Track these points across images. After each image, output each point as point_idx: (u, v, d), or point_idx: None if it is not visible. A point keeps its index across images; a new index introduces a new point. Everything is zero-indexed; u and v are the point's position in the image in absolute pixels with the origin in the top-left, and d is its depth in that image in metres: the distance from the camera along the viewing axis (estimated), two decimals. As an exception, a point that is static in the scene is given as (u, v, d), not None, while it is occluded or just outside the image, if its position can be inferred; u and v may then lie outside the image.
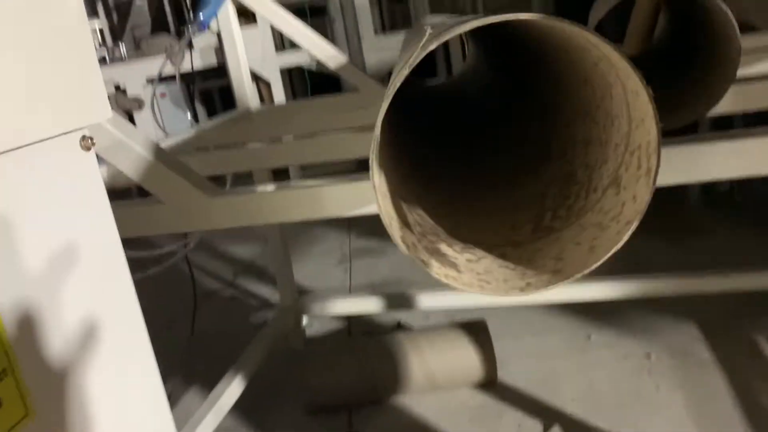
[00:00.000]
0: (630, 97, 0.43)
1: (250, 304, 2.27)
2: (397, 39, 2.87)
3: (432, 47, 0.41)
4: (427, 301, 1.69)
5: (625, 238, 0.43)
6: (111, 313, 0.54)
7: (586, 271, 0.43)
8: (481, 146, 0.75)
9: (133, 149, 0.81)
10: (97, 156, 0.55)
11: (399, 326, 1.83)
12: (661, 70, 0.96)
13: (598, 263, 0.43)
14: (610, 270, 1.63)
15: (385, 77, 2.60)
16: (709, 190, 2.34)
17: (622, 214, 0.45)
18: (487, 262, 0.49)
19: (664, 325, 1.65)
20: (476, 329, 1.49)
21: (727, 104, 1.00)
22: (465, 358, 1.45)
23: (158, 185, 0.84)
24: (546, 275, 0.45)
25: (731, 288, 1.52)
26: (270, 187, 0.90)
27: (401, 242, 0.43)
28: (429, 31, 0.43)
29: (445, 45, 3.08)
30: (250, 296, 2.38)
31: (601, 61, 0.46)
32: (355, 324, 1.93)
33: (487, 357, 1.44)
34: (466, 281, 0.45)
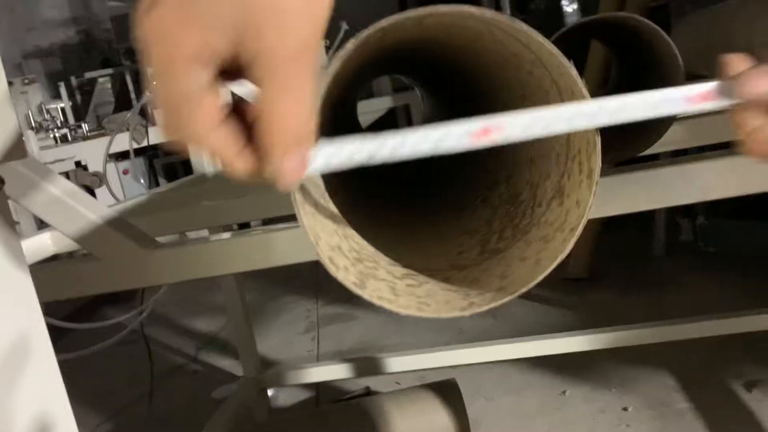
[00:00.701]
0: (566, 97, 0.41)
1: (214, 378, 2.17)
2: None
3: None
4: (396, 364, 1.63)
5: (570, 245, 0.39)
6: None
7: (531, 285, 0.40)
8: (432, 177, 0.72)
9: (60, 200, 0.77)
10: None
11: (368, 392, 1.75)
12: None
13: (543, 275, 0.39)
14: (584, 325, 1.59)
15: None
16: (673, 240, 2.34)
17: (567, 222, 0.41)
18: (429, 286, 0.45)
19: (640, 376, 1.61)
20: (447, 390, 1.42)
21: (680, 139, 1.00)
22: (435, 422, 1.38)
23: (90, 239, 0.79)
24: (490, 293, 0.42)
25: (704, 334, 1.49)
26: (215, 237, 0.86)
27: (329, 262, 0.39)
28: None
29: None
30: (215, 370, 2.27)
31: (535, 68, 0.44)
32: (324, 392, 1.85)
33: (458, 419, 1.37)
34: (403, 304, 0.41)
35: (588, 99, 0.38)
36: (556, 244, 0.41)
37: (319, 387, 1.84)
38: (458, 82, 0.78)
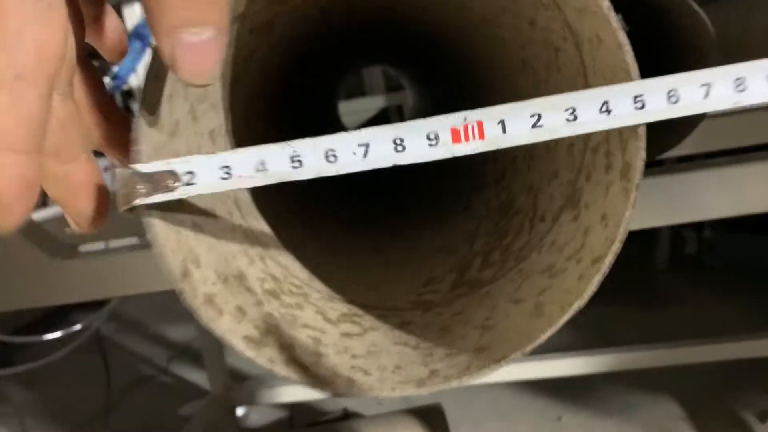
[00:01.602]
0: (587, 50, 0.26)
1: (184, 392, 2.01)
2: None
3: None
4: (376, 384, 1.47)
5: (592, 286, 0.24)
6: None
7: (529, 348, 0.25)
8: (407, 177, 0.57)
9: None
10: None
11: (346, 415, 1.60)
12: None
13: (549, 332, 0.24)
14: (581, 345, 1.45)
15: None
16: (677, 253, 2.20)
17: (585, 248, 0.26)
18: (376, 335, 0.30)
19: (643, 403, 1.46)
20: (431, 415, 1.28)
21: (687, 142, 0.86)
22: (417, 451, 1.24)
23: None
24: (464, 356, 0.27)
25: (712, 358, 1.35)
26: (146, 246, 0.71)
27: (203, 304, 0.24)
28: None
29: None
30: (185, 383, 2.12)
31: (538, 11, 0.29)
32: (298, 413, 1.70)
33: (442, 449, 1.23)
34: (326, 370, 0.26)
35: (628, 59, 0.23)
36: (567, 281, 0.26)
37: (293, 407, 1.69)
38: (446, 63, 0.63)
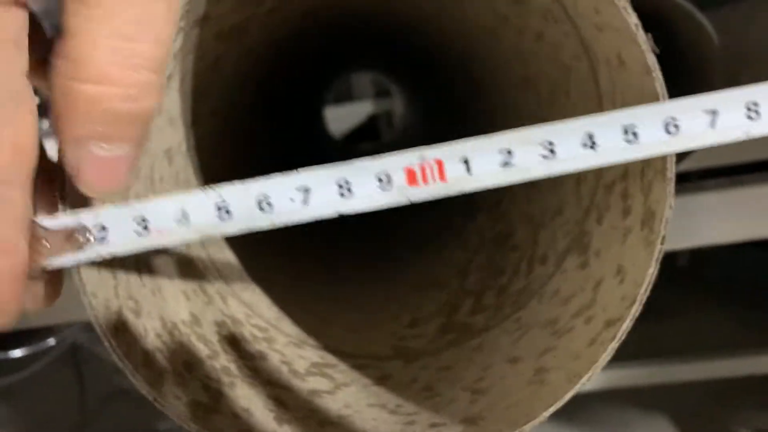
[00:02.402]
0: (604, 72, 0.22)
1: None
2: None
3: None
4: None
5: (607, 355, 0.20)
6: None
7: (528, 427, 0.21)
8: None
9: None
10: None
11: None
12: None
13: (553, 408, 0.20)
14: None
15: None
16: (670, 265, 2.16)
17: (597, 305, 0.22)
18: (349, 394, 0.26)
19: (635, 421, 1.42)
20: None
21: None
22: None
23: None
24: (451, 429, 0.23)
25: (707, 376, 1.31)
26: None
27: (125, 350, 0.20)
28: None
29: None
30: (165, 390, 2.06)
31: (547, 20, 0.25)
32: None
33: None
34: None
35: (657, 87, 0.19)
36: (576, 343, 0.22)
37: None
38: (439, 72, 0.59)
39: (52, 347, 1.64)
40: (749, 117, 0.19)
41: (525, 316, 0.27)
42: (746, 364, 1.31)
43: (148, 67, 0.17)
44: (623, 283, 0.21)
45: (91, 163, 0.17)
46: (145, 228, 0.19)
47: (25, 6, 0.16)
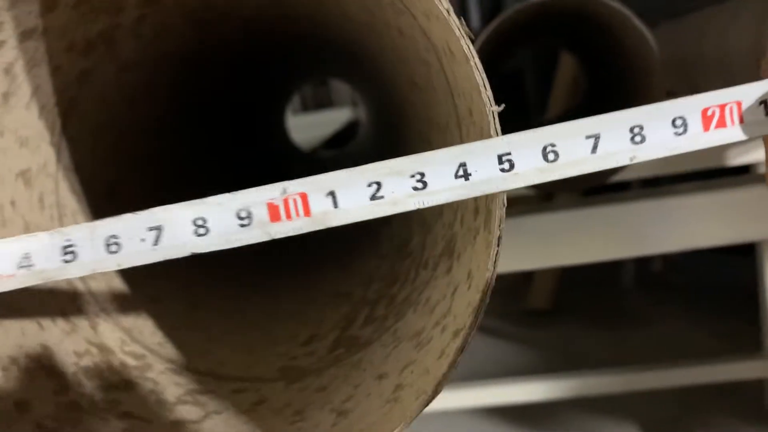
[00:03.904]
0: (446, 64, 0.21)
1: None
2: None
3: None
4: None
5: (449, 371, 0.19)
6: None
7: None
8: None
9: None
10: None
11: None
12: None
13: (399, 428, 0.19)
14: (542, 367, 1.39)
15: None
16: (642, 272, 2.15)
17: (451, 312, 0.21)
18: (217, 424, 0.25)
19: (605, 428, 1.41)
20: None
21: (653, 164, 0.81)
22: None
23: None
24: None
25: (678, 383, 1.30)
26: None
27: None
28: None
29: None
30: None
31: (400, 16, 0.24)
32: None
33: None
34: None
35: (476, 76, 0.18)
36: (429, 357, 0.21)
37: None
38: (364, 78, 0.58)
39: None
40: (633, 141, 0.17)
41: (401, 328, 0.26)
42: (716, 372, 1.29)
43: None
44: (470, 288, 0.20)
45: None
46: None
47: None
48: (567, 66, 1.57)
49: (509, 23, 0.65)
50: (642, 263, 2.11)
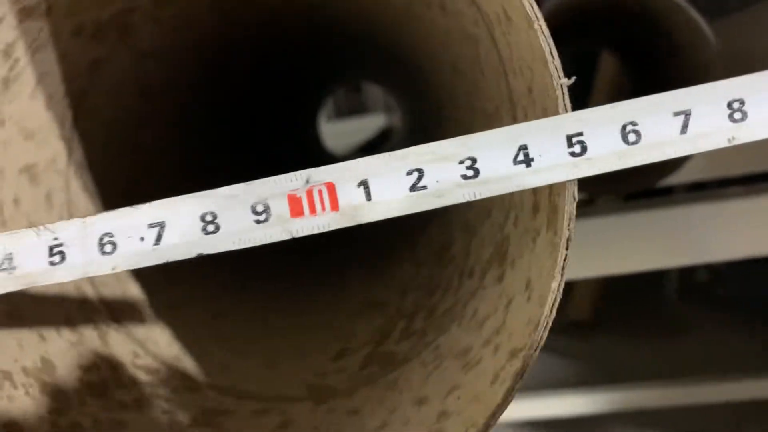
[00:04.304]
0: (499, 35, 0.18)
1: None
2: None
3: None
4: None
5: (508, 400, 0.15)
6: None
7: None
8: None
9: None
10: None
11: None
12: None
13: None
14: (584, 380, 1.33)
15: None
16: (687, 282, 2.07)
17: (505, 329, 0.18)
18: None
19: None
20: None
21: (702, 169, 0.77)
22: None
23: None
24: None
25: (725, 398, 1.23)
26: None
27: None
28: None
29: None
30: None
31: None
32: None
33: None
34: None
35: (542, 43, 0.15)
36: (480, 382, 0.17)
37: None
38: (405, 79, 0.55)
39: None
40: (732, 118, 0.14)
41: (443, 344, 0.22)
42: (765, 387, 1.23)
43: None
44: (530, 300, 0.16)
45: None
46: None
47: None
48: (607, 68, 1.51)
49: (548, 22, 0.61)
50: (686, 273, 2.03)
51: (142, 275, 0.31)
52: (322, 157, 1.04)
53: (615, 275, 0.58)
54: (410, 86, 0.57)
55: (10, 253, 0.15)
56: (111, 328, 0.26)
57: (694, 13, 0.51)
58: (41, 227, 0.15)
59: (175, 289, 0.32)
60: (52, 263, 0.15)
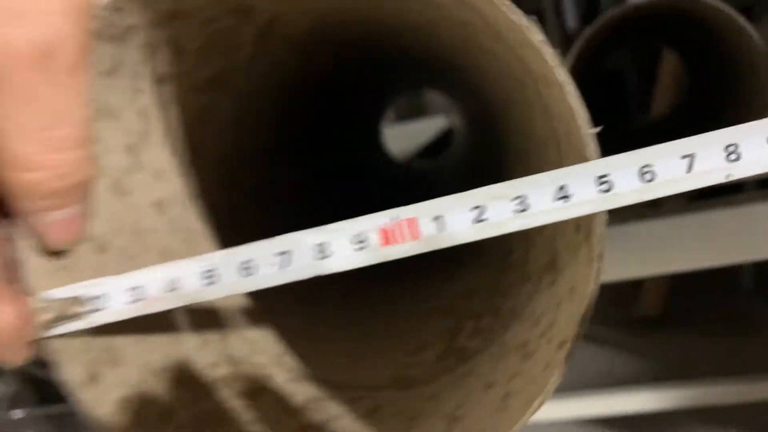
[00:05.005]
0: (542, 87, 0.22)
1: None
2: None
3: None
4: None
5: (555, 380, 0.20)
6: None
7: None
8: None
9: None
10: None
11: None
12: (693, 127, 0.75)
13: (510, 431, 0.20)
14: (654, 376, 1.32)
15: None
16: (764, 271, 2.01)
17: (556, 325, 0.22)
18: (338, 428, 0.27)
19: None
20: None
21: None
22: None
23: None
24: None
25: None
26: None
27: (93, 401, 0.22)
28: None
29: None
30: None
31: (494, 42, 0.25)
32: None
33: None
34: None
35: (571, 102, 0.19)
36: (536, 368, 0.22)
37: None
38: (459, 86, 0.60)
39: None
40: (728, 159, 0.18)
41: (508, 338, 0.27)
42: None
43: (69, 147, 0.19)
44: (572, 301, 0.21)
45: (49, 227, 0.20)
46: (139, 297, 0.21)
47: None
48: (670, 63, 1.51)
49: (609, 25, 0.64)
50: (763, 265, 1.97)
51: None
52: (388, 161, 1.09)
53: (687, 271, 0.60)
54: (470, 99, 0.61)
55: (175, 278, 0.21)
56: (228, 331, 0.32)
57: (745, 22, 0.54)
58: (197, 258, 0.20)
59: (275, 297, 0.37)
60: (205, 284, 0.20)
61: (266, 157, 0.46)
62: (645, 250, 0.55)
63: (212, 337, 0.30)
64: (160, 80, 0.27)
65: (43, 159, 0.18)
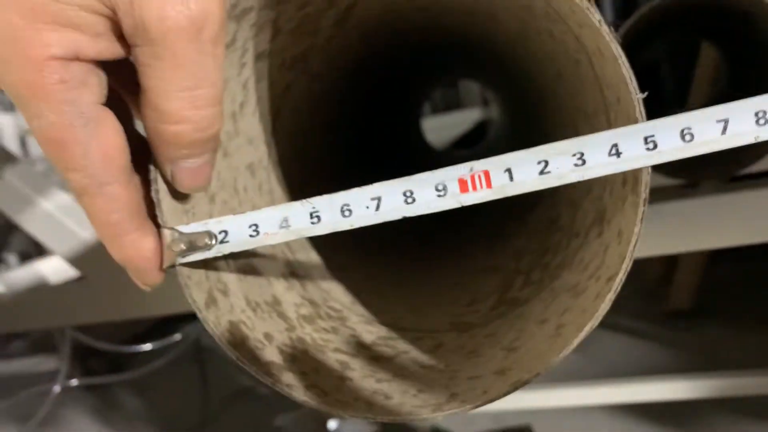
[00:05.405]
0: (596, 62, 0.26)
1: (281, 404, 2.05)
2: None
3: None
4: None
5: (605, 305, 0.23)
6: None
7: (542, 371, 0.24)
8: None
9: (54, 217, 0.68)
10: None
11: (437, 431, 1.58)
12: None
13: (563, 353, 0.24)
14: (685, 366, 1.33)
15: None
16: None
17: (604, 265, 0.26)
18: (407, 359, 0.31)
19: (748, 430, 1.33)
20: (524, 437, 1.24)
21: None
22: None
23: (85, 260, 0.70)
24: (484, 379, 0.26)
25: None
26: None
27: (214, 320, 0.26)
28: None
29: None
30: (282, 395, 2.15)
31: (553, 24, 0.29)
32: (390, 426, 1.69)
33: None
34: (345, 398, 0.26)
35: (624, 72, 0.23)
36: (586, 301, 0.25)
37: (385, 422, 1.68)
38: (503, 77, 0.63)
39: (178, 342, 1.79)
40: (760, 124, 0.21)
41: (558, 285, 0.30)
42: None
43: (209, 105, 0.23)
44: (620, 243, 0.24)
45: (184, 172, 0.25)
46: (256, 231, 0.25)
47: (87, 60, 0.22)
48: (708, 56, 1.52)
49: (646, 18, 0.67)
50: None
51: (319, 246, 0.41)
52: (427, 148, 1.13)
53: (719, 257, 0.62)
54: (512, 85, 0.65)
55: (287, 217, 0.25)
56: (306, 280, 0.36)
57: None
58: (304, 200, 0.25)
59: (341, 254, 0.41)
60: (312, 223, 0.25)
61: (328, 135, 0.50)
62: (684, 226, 0.58)
63: (294, 283, 0.35)
64: (258, 56, 0.32)
65: (187, 114, 0.23)
